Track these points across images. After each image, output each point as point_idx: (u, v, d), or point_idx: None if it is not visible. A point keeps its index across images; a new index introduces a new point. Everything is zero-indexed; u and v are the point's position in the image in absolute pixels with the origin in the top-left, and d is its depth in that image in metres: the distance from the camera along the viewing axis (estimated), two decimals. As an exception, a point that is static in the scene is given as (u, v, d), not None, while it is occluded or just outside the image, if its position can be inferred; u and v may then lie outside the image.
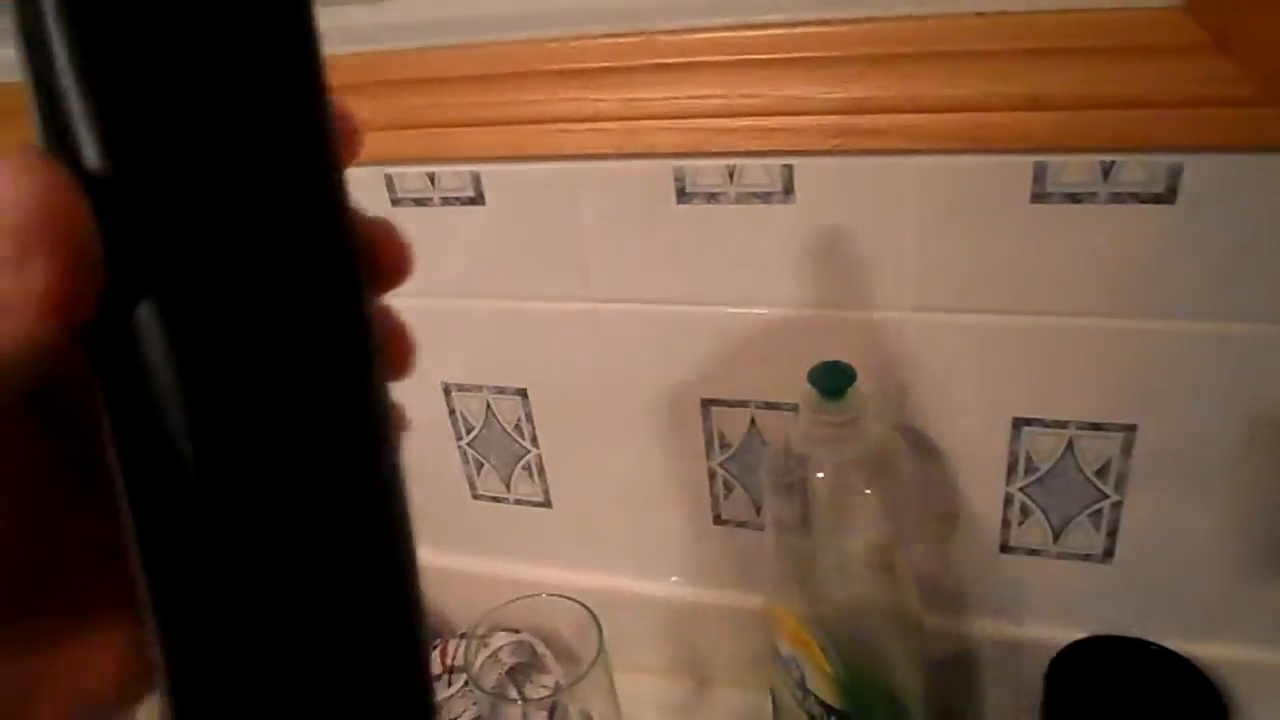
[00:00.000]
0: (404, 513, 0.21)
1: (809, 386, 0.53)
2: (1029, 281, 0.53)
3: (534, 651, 0.67)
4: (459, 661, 0.71)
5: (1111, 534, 0.58)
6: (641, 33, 0.53)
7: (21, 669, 0.21)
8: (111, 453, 0.19)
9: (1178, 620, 0.59)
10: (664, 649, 0.75)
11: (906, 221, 0.53)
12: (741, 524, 0.68)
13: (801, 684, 0.58)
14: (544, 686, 0.67)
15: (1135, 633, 0.59)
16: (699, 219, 0.57)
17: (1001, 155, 0.49)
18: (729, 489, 0.67)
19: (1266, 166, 0.46)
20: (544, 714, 0.60)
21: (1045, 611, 0.62)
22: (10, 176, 0.17)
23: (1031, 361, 0.55)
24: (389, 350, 0.22)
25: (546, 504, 0.73)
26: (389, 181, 0.61)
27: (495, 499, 0.74)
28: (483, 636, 0.63)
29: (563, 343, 0.64)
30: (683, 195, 0.56)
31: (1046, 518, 0.59)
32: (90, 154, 0.17)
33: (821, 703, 0.57)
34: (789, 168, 0.53)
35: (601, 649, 0.58)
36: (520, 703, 0.65)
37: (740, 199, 0.55)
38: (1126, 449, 0.55)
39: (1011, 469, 0.59)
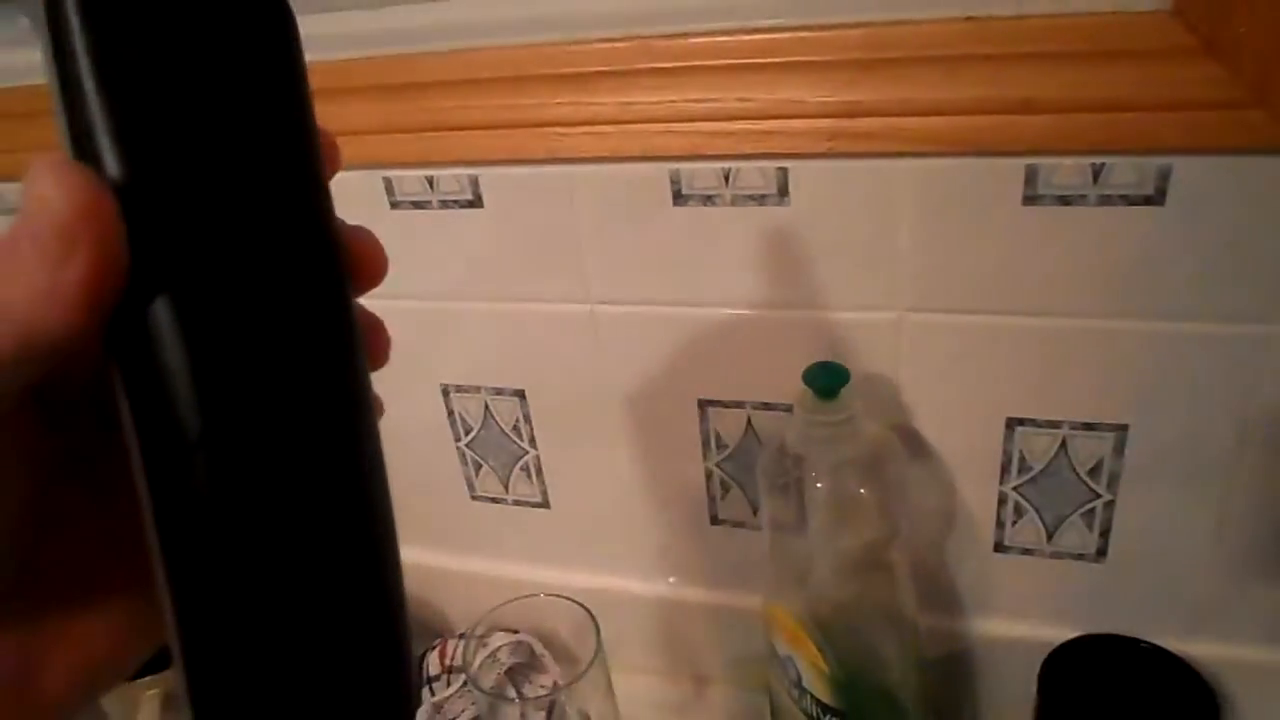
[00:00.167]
0: (385, 478, 0.24)
1: (804, 387, 0.53)
2: (1021, 282, 0.53)
3: (532, 651, 0.68)
4: (457, 661, 0.71)
5: (1104, 533, 0.59)
6: (637, 37, 0.54)
7: (30, 639, 0.23)
8: (129, 431, 0.21)
9: (1170, 619, 0.60)
10: (661, 649, 0.75)
11: (900, 223, 0.53)
12: (738, 524, 0.68)
13: (798, 683, 0.58)
14: (542, 686, 0.67)
15: (1128, 631, 0.59)
16: (695, 221, 0.57)
17: (993, 158, 0.50)
18: (725, 489, 0.67)
19: (1255, 168, 0.46)
20: (542, 714, 0.60)
21: (1039, 610, 0.63)
22: (54, 179, 0.19)
23: (1024, 362, 0.55)
24: (369, 342, 0.24)
25: (544, 505, 0.73)
26: (388, 184, 0.62)
27: (494, 500, 0.75)
28: (481, 637, 0.64)
29: (561, 344, 0.65)
30: (679, 198, 0.57)
31: (1040, 517, 0.60)
32: (111, 164, 0.20)
33: (818, 701, 0.58)
34: (784, 170, 0.54)
35: (599, 649, 0.58)
36: (518, 702, 0.66)
37: (736, 201, 0.56)
38: (1119, 449, 0.56)
39: (1005, 469, 0.59)
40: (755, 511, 0.67)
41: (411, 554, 0.24)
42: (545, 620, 0.66)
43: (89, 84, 0.19)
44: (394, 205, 0.62)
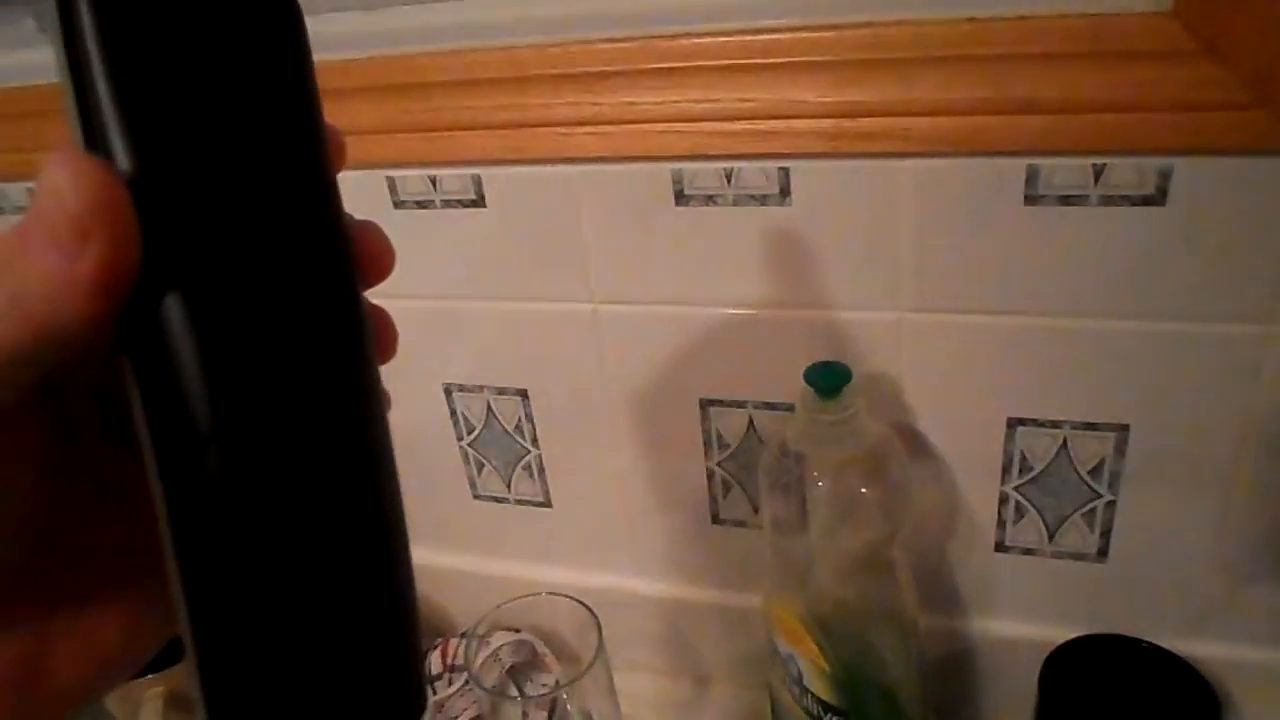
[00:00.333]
0: (395, 473, 0.24)
1: (806, 386, 0.53)
2: (1022, 282, 0.53)
3: (534, 650, 0.68)
4: (459, 660, 0.71)
5: (1105, 533, 0.59)
6: (640, 37, 0.54)
7: (40, 633, 0.23)
8: (140, 425, 0.21)
9: (1171, 619, 0.60)
10: (663, 648, 0.75)
11: (901, 223, 0.53)
12: (740, 523, 0.69)
13: (799, 682, 0.59)
14: (544, 685, 0.67)
15: (1129, 631, 0.59)
16: (697, 221, 0.57)
17: (994, 158, 0.50)
18: (727, 488, 0.67)
19: (1255, 168, 0.47)
20: (544, 713, 0.61)
21: (1040, 610, 0.63)
22: (67, 171, 0.19)
23: (1025, 362, 0.55)
24: (377, 335, 0.24)
25: (547, 504, 0.73)
26: (391, 184, 0.62)
27: (496, 499, 0.75)
28: (483, 636, 0.64)
29: (563, 344, 0.65)
30: (681, 197, 0.57)
31: (1041, 517, 0.60)
32: (123, 157, 0.20)
33: (819, 700, 0.58)
34: (785, 170, 0.54)
35: (601, 648, 0.58)
36: (520, 701, 0.66)
37: (738, 201, 0.56)
38: (1120, 449, 0.56)
39: (1006, 468, 0.59)
40: (756, 511, 0.67)
41: (414, 553, 0.24)
42: (547, 619, 0.66)
43: (100, 77, 0.19)
44: (397, 205, 0.62)
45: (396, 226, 0.61)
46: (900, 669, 0.59)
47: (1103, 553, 0.60)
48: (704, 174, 0.56)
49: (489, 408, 0.70)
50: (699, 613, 0.73)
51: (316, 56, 0.22)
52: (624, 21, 0.54)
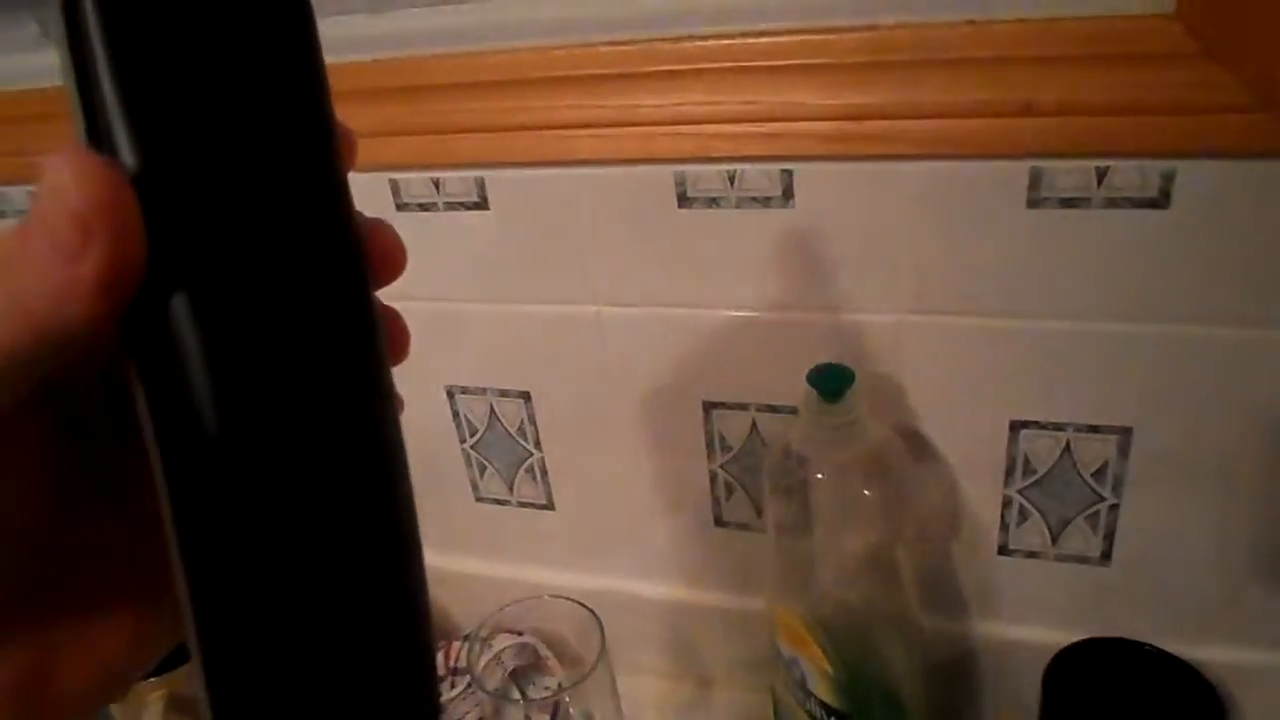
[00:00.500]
0: (408, 476, 0.23)
1: (809, 388, 0.53)
2: (1026, 285, 0.53)
3: (536, 653, 0.68)
4: (462, 663, 0.71)
5: (1109, 536, 0.59)
6: (642, 40, 0.54)
7: (46, 641, 0.22)
8: (147, 429, 0.21)
9: (1175, 622, 0.59)
10: (665, 651, 0.75)
11: (904, 225, 0.53)
12: (742, 526, 0.68)
13: (802, 685, 0.58)
14: (546, 688, 0.67)
15: (1133, 635, 0.59)
16: (700, 223, 0.57)
17: (997, 160, 0.50)
18: (730, 491, 0.67)
19: (1258, 171, 0.46)
20: (546, 716, 0.60)
21: (1043, 613, 0.63)
22: (71, 167, 0.18)
23: (1029, 364, 0.55)
24: (389, 336, 0.24)
25: (549, 506, 0.73)
26: (394, 187, 0.62)
27: (498, 501, 0.75)
28: (485, 638, 0.64)
29: (566, 346, 0.65)
30: (684, 200, 0.57)
31: (1044, 520, 0.60)
32: (129, 155, 0.19)
33: (822, 703, 0.58)
34: (788, 173, 0.54)
35: (603, 650, 0.58)
36: (522, 704, 0.66)
37: (740, 204, 0.56)
38: (1123, 451, 0.56)
39: (1009, 471, 0.59)
40: (759, 513, 0.67)
41: (418, 556, 0.24)
42: (549, 622, 0.66)
43: (105, 74, 0.19)
44: (400, 207, 0.63)
45: (399, 229, 0.61)
46: (904, 672, 0.59)
47: (1106, 556, 0.60)
48: (707, 176, 0.56)
49: (491, 410, 0.70)
50: (702, 615, 0.73)
51: None
52: (626, 24, 0.54)
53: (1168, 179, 0.48)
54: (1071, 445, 0.57)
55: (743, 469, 0.66)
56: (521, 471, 0.72)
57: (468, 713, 0.69)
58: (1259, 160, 0.46)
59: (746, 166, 0.55)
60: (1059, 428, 0.56)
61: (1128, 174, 0.48)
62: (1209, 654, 0.58)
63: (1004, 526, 0.61)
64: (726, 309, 0.60)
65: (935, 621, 0.65)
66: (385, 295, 0.24)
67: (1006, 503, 0.60)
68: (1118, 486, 0.57)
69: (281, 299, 0.20)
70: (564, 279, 0.62)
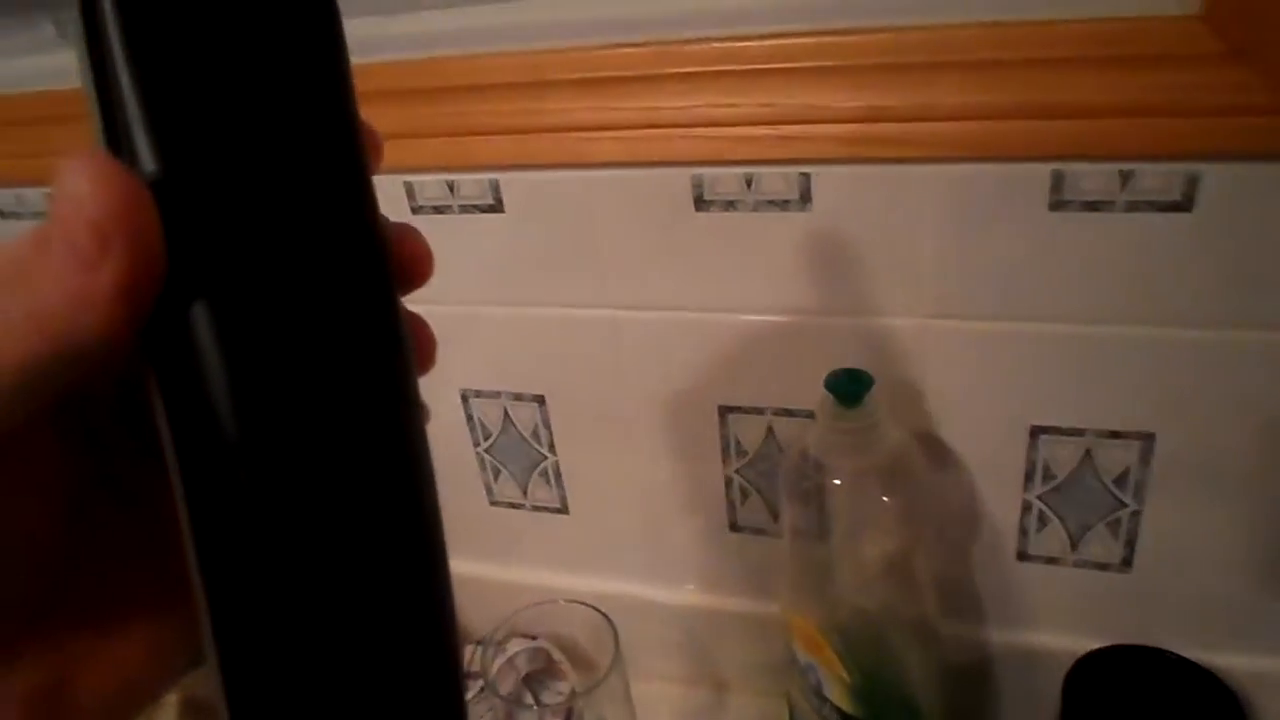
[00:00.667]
0: (435, 486, 0.23)
1: (826, 393, 0.53)
2: (1047, 289, 0.53)
3: (550, 658, 0.68)
4: (475, 668, 0.71)
5: (1130, 543, 0.58)
6: (659, 42, 0.53)
7: (64, 657, 0.22)
8: (166, 440, 0.20)
9: (1197, 630, 0.59)
10: (680, 656, 0.75)
11: (924, 229, 0.53)
12: (758, 531, 0.68)
13: (818, 691, 0.58)
14: (560, 693, 0.67)
15: (1154, 642, 0.58)
16: (716, 227, 0.57)
17: (1019, 163, 0.50)
18: (745, 496, 0.67)
19: (1284, 174, 0.46)
20: (560, 720, 0.60)
21: (1063, 620, 0.62)
22: (87, 174, 0.18)
23: (1049, 369, 0.55)
24: (416, 343, 0.23)
25: (563, 510, 0.73)
26: (409, 189, 0.62)
27: (512, 505, 0.74)
28: (499, 643, 0.64)
29: (581, 349, 0.65)
30: (700, 203, 0.56)
31: (1064, 526, 0.59)
32: (148, 160, 0.18)
33: (838, 710, 0.57)
34: (806, 176, 0.54)
35: (618, 655, 0.58)
36: (536, 709, 0.65)
37: (758, 207, 0.55)
38: (1145, 457, 0.55)
39: (1029, 477, 0.58)
40: (775, 518, 0.67)
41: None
42: (563, 626, 0.66)
43: (124, 76, 0.18)
44: (415, 210, 0.62)
45: (414, 232, 0.61)
46: (920, 678, 0.59)
47: (1127, 562, 0.59)
48: (724, 179, 0.55)
49: (506, 414, 0.70)
50: (717, 621, 0.72)
51: None
52: (644, 26, 0.53)
53: (1192, 182, 0.47)
54: (1092, 451, 0.56)
55: (758, 474, 0.65)
56: (536, 475, 0.72)
57: (481, 718, 0.69)
58: (1285, 163, 0.46)
59: (764, 169, 0.54)
60: (1079, 433, 0.56)
61: (1151, 177, 0.48)
62: (1230, 661, 0.57)
63: (1023, 532, 0.61)
64: (743, 313, 0.59)
65: (953, 627, 0.64)
66: (405, 299, 0.24)
67: (1026, 508, 0.60)
68: (1139, 493, 0.56)
69: (305, 307, 0.20)
70: (579, 282, 0.62)
